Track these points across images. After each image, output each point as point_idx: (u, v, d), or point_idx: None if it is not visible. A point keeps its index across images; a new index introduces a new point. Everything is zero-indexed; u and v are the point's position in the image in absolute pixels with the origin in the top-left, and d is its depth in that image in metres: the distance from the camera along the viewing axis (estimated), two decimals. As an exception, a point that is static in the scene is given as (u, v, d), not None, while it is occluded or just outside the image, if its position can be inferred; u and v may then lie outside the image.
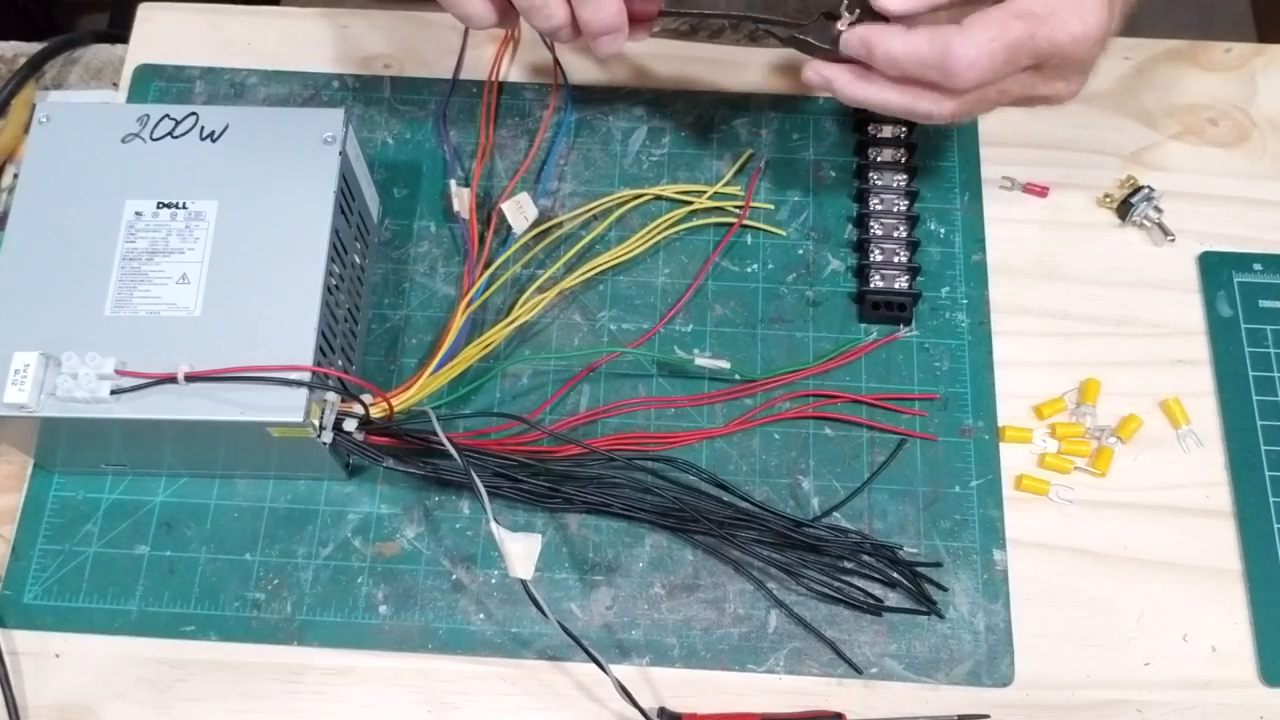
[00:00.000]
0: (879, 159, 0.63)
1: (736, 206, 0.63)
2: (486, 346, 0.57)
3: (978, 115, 0.53)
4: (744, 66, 0.67)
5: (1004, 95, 0.52)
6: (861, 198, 0.62)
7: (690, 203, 0.63)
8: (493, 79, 0.66)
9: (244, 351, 0.49)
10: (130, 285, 0.51)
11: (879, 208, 0.62)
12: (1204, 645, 0.54)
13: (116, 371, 0.49)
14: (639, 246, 0.62)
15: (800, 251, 0.62)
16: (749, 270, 0.62)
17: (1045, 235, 0.63)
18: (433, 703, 0.53)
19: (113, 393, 0.49)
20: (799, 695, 0.53)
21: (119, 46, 0.69)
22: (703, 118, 0.66)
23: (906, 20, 0.51)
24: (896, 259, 0.60)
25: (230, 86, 0.66)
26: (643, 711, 0.51)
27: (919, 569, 0.55)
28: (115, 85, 0.67)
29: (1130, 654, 0.54)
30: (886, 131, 0.64)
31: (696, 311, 0.61)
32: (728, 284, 0.62)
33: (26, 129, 0.65)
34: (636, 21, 0.53)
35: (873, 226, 0.61)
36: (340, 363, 0.55)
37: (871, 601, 0.54)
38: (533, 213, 0.61)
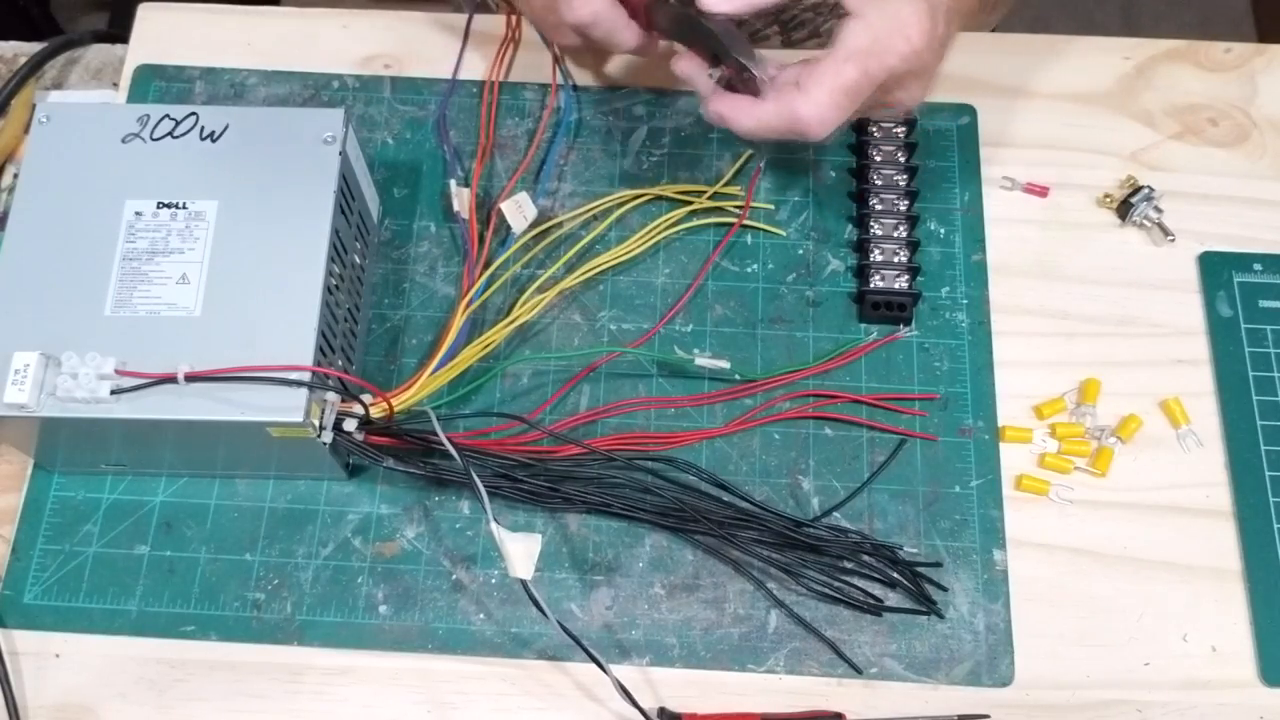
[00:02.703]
0: (879, 159, 0.63)
1: (736, 206, 0.63)
2: (486, 346, 0.57)
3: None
4: (744, 66, 0.67)
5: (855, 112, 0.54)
6: (861, 198, 0.62)
7: (690, 203, 0.63)
8: (493, 79, 0.66)
9: (244, 351, 0.49)
10: (130, 285, 0.51)
11: (879, 208, 0.62)
12: (1204, 645, 0.54)
13: (116, 371, 0.49)
14: (639, 246, 0.62)
15: (800, 251, 0.62)
16: (749, 270, 0.62)
17: (1045, 235, 0.63)
18: (433, 703, 0.53)
19: (113, 393, 0.49)
20: (799, 695, 0.53)
21: (119, 46, 0.69)
22: (703, 118, 0.66)
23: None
24: (896, 259, 0.60)
25: (230, 86, 0.66)
26: (643, 711, 0.51)
27: (919, 569, 0.55)
28: (115, 85, 0.67)
29: (1130, 654, 0.54)
30: (887, 131, 0.64)
31: (696, 311, 0.61)
32: (728, 284, 0.62)
33: (26, 129, 0.65)
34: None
35: (873, 226, 0.61)
36: (340, 363, 0.55)
37: (871, 601, 0.54)
38: (532, 212, 0.61)
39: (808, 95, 0.51)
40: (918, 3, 0.51)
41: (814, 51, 0.68)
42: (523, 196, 0.61)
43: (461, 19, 0.67)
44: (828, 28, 0.67)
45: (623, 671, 0.52)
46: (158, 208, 0.53)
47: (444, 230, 0.63)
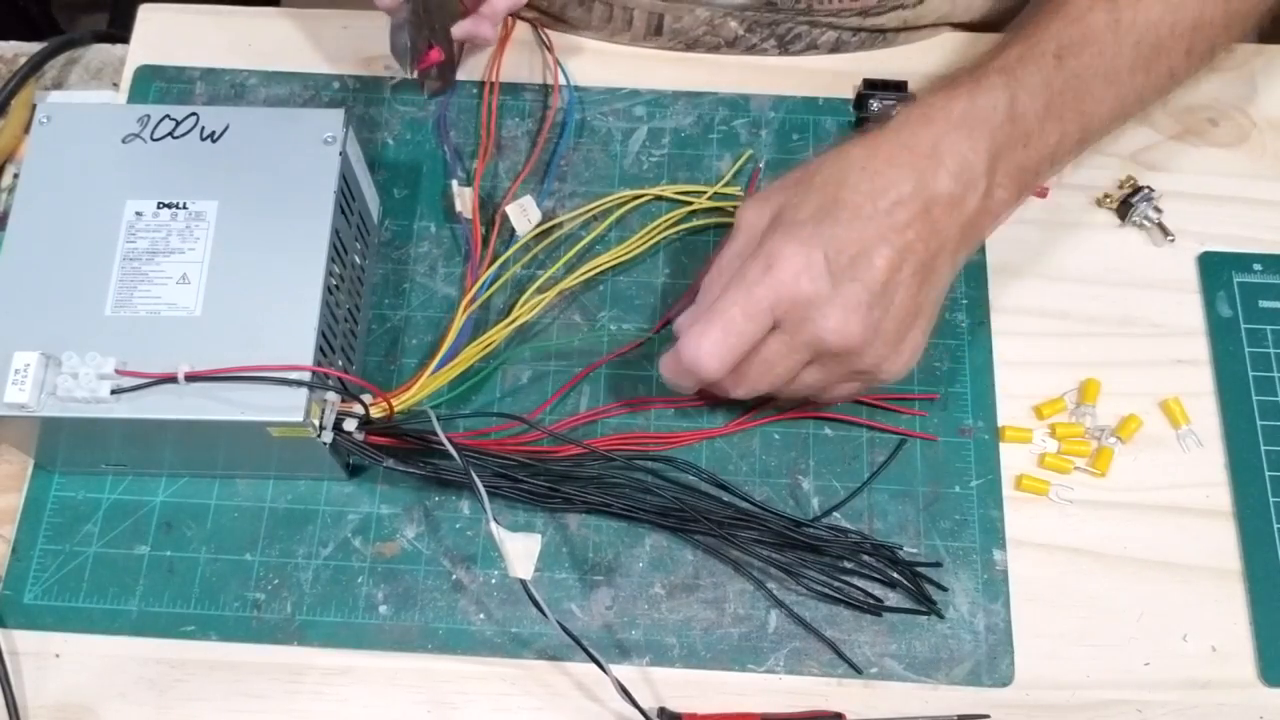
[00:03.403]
0: (879, 159, 0.63)
1: (736, 207, 0.63)
2: (486, 347, 0.57)
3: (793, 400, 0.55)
4: (744, 68, 0.67)
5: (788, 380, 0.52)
6: (861, 198, 0.62)
7: (690, 203, 0.63)
8: (493, 79, 0.66)
9: (244, 351, 0.49)
10: (131, 285, 0.51)
11: (879, 208, 0.61)
12: (1204, 645, 0.54)
13: (117, 371, 0.49)
14: (639, 246, 0.62)
15: (800, 251, 0.62)
16: (749, 270, 0.62)
17: (1045, 235, 0.63)
18: (433, 703, 0.53)
19: (113, 392, 0.49)
20: (799, 695, 0.53)
21: (119, 46, 0.69)
22: (703, 118, 0.66)
23: None
24: (896, 259, 0.60)
25: (230, 87, 0.66)
26: (643, 711, 0.51)
27: (919, 569, 0.55)
28: (115, 85, 0.67)
29: (1130, 654, 0.54)
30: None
31: (696, 311, 0.61)
32: (728, 284, 0.62)
33: (26, 129, 0.65)
34: None
35: (873, 226, 0.61)
36: (340, 363, 0.55)
37: (871, 601, 0.54)
38: (536, 215, 0.61)
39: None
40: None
41: (814, 57, 0.68)
42: (527, 199, 0.61)
43: (461, 19, 0.67)
44: (825, 39, 0.66)
45: (623, 671, 0.52)
46: (158, 208, 0.53)
47: (444, 231, 0.63)
